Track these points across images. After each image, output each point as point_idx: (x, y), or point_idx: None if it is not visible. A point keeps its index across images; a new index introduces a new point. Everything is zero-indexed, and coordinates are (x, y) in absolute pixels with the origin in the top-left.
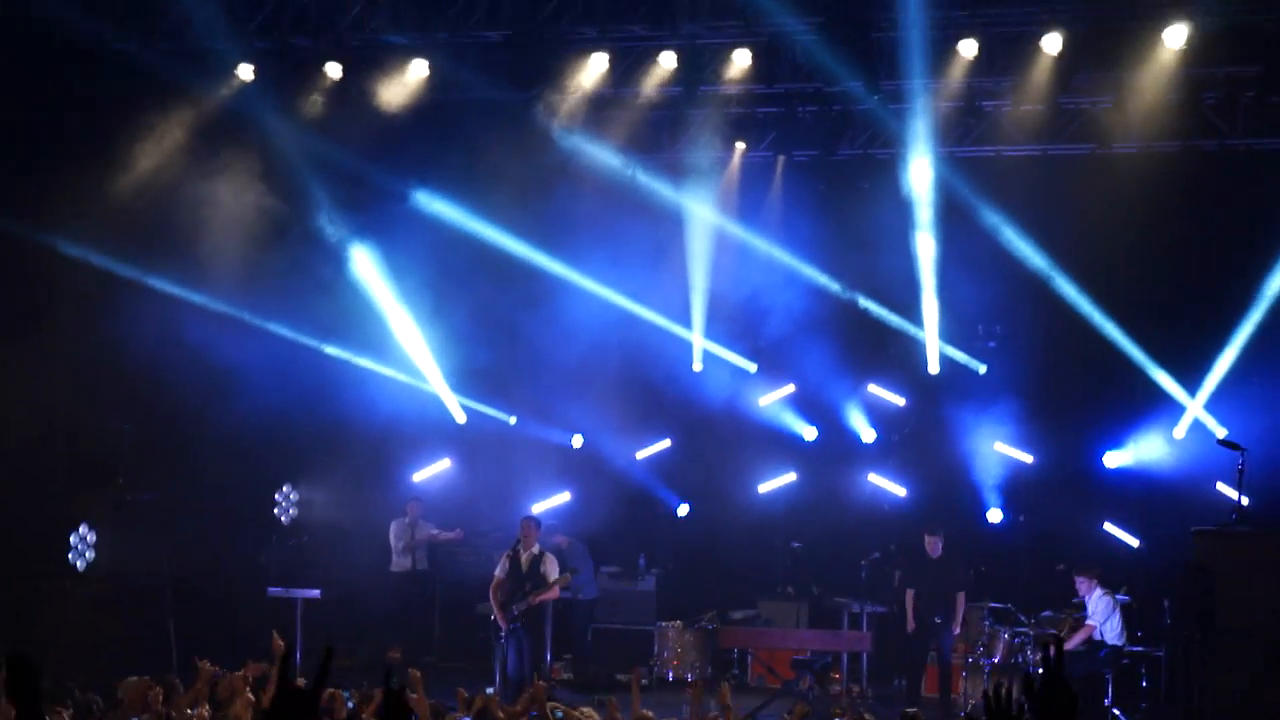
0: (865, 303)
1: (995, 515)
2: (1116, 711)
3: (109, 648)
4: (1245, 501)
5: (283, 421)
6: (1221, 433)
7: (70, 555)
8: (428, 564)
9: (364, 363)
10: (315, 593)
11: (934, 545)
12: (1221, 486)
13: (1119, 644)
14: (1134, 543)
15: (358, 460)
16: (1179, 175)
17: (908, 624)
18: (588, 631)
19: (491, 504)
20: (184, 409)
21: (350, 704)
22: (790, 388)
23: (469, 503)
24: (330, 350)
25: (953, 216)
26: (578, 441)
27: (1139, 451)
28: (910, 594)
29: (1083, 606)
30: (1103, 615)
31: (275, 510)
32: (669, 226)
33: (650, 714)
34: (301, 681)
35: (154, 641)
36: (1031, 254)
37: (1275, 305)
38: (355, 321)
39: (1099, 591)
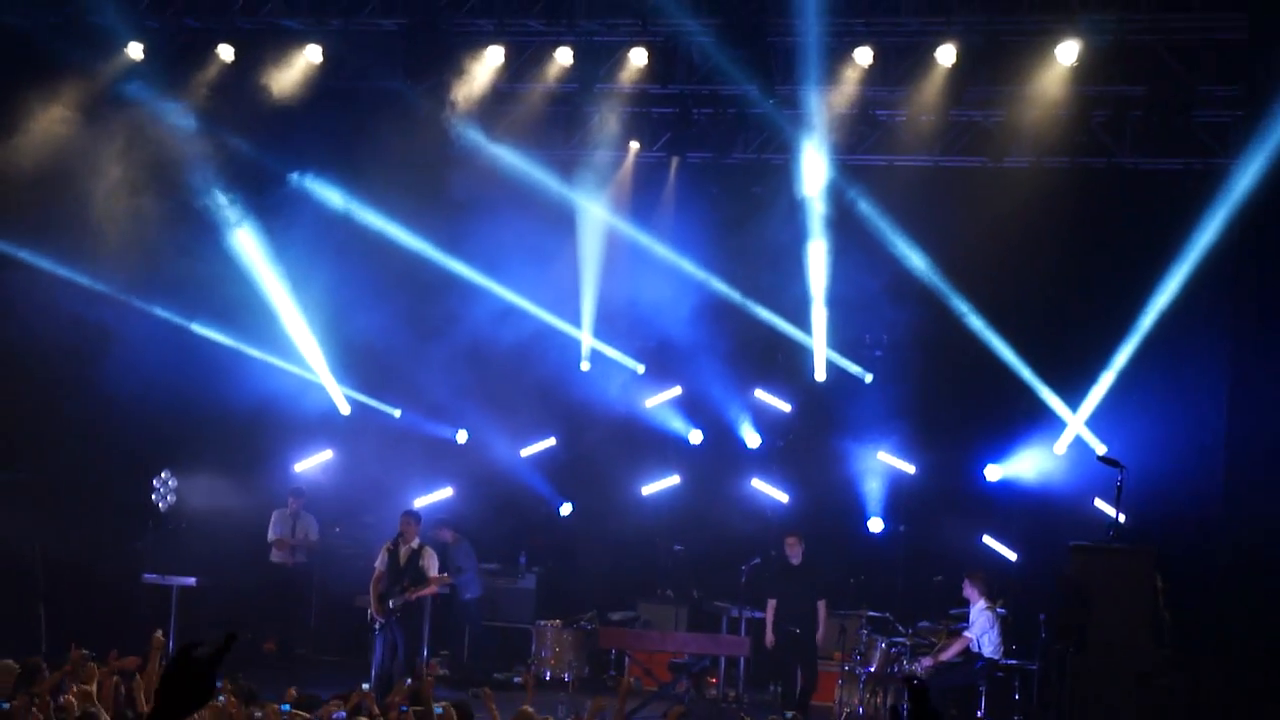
0: (756, 309)
1: (876, 524)
2: None
3: None
4: (1122, 519)
5: (163, 405)
6: (1101, 449)
7: None
8: (307, 559)
9: (248, 349)
10: (191, 580)
11: (794, 550)
12: (1100, 503)
13: (995, 657)
14: (1012, 556)
15: (239, 448)
16: (1068, 191)
17: (766, 636)
18: (468, 630)
19: (373, 497)
20: (60, 389)
21: (221, 698)
22: (677, 390)
23: (350, 494)
24: (214, 335)
25: (844, 224)
26: (462, 437)
27: (1020, 465)
28: (771, 604)
29: (961, 618)
30: (982, 627)
31: (153, 496)
32: (561, 223)
33: (531, 710)
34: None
35: (23, 624)
36: (921, 264)
37: (1157, 324)
38: (240, 306)
39: (983, 603)
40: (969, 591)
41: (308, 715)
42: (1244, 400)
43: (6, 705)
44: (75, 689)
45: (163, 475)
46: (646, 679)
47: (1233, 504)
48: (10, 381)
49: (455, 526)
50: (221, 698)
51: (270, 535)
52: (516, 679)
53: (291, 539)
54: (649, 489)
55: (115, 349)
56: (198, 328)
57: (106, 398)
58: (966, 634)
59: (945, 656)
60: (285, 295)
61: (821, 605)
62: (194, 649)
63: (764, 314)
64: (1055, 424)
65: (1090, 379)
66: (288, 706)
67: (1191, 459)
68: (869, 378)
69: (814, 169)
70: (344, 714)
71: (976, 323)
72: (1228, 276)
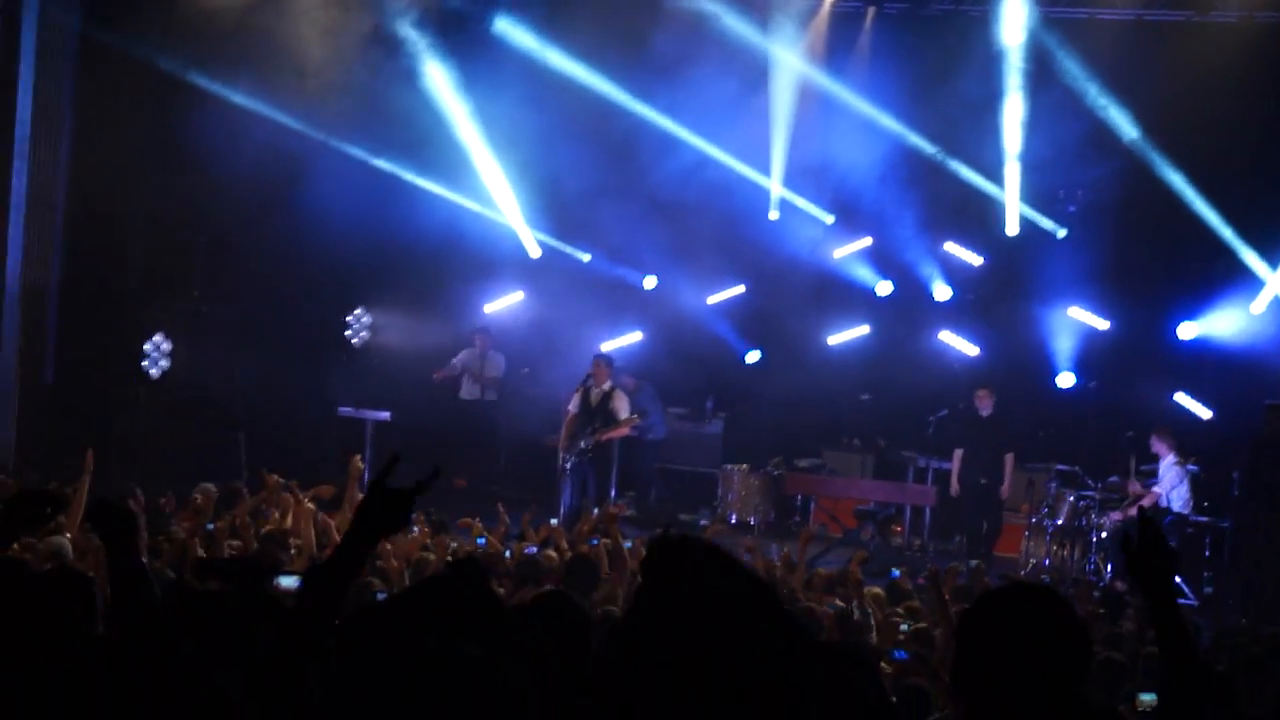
0: (951, 162)
1: (1066, 379)
2: (1178, 580)
3: (179, 455)
4: None
5: (355, 242)
6: None
7: (144, 363)
8: (497, 397)
9: (438, 189)
10: (385, 415)
11: (985, 402)
12: None
13: (1185, 513)
14: (1206, 414)
15: (430, 287)
16: (1276, 46)
17: (951, 486)
18: (654, 472)
19: (562, 340)
20: (256, 224)
21: (414, 529)
22: (867, 241)
23: (539, 337)
24: (406, 175)
25: (1042, 77)
26: (650, 282)
27: (1216, 324)
28: (958, 454)
29: (1151, 474)
30: (1171, 482)
31: (347, 332)
32: (755, 74)
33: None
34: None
35: (223, 452)
36: (1119, 119)
37: None
38: (432, 146)
39: (1172, 457)
40: (1158, 446)
41: (500, 546)
42: None
43: (211, 526)
44: (274, 513)
45: (356, 311)
46: (832, 525)
47: None
48: (209, 217)
49: (640, 371)
50: (415, 528)
51: (457, 365)
52: (702, 522)
53: (481, 375)
54: (836, 339)
55: (308, 184)
56: (406, 173)
57: (300, 233)
58: (1156, 489)
59: (1134, 511)
60: (477, 136)
61: (1009, 458)
62: (389, 477)
63: (957, 167)
64: (1254, 282)
65: None
66: (483, 540)
67: None
68: (1062, 233)
69: (1013, 21)
70: (535, 548)
71: (1175, 179)
72: None
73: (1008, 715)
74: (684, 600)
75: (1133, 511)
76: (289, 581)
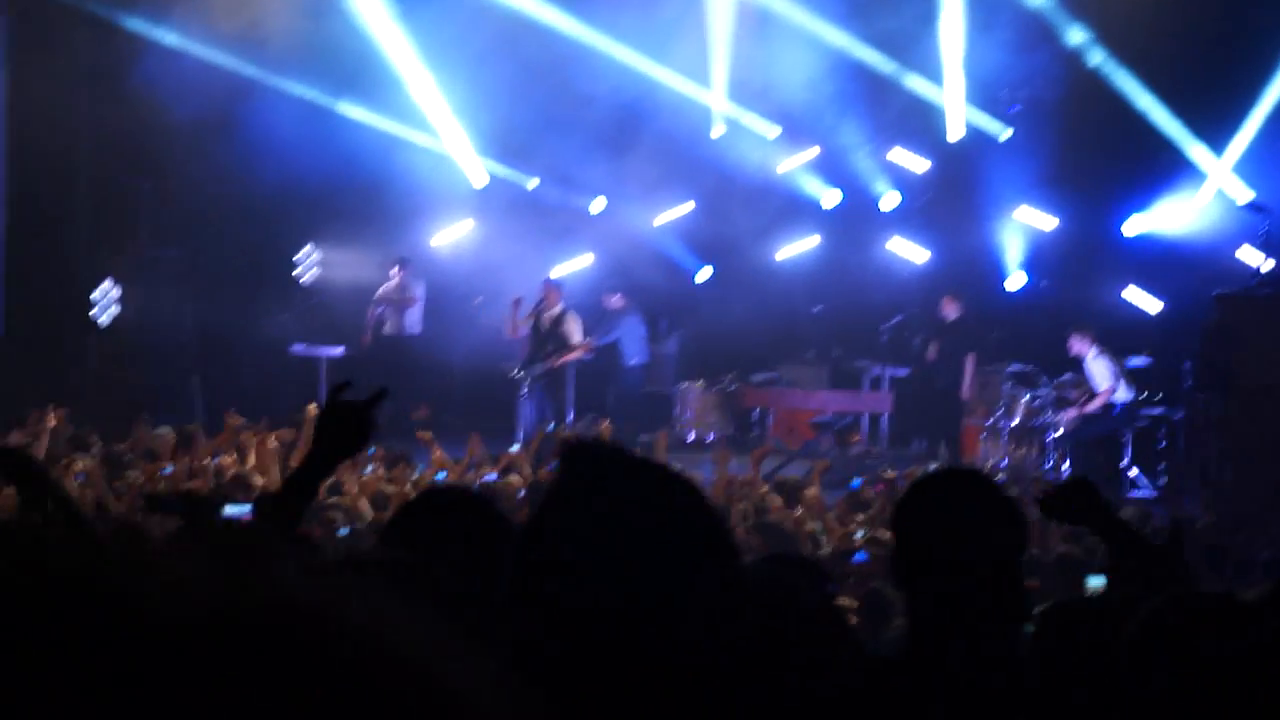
0: (891, 66)
1: (1017, 280)
2: (1135, 472)
3: (134, 400)
4: (1269, 266)
5: (300, 180)
6: (1248, 196)
7: (94, 311)
8: (420, 329)
9: (380, 121)
10: (338, 350)
11: (950, 307)
12: (1244, 252)
13: (1130, 399)
14: (1156, 307)
15: (376, 220)
16: None
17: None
18: (640, 396)
19: (512, 267)
20: (200, 167)
21: (370, 467)
22: (814, 151)
23: (490, 265)
24: (346, 109)
25: None
26: (599, 205)
27: (1163, 217)
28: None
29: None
30: (1113, 374)
31: (296, 270)
32: None
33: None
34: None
35: (178, 396)
36: (1058, 15)
37: None
38: (370, 78)
39: (1096, 349)
40: (1078, 346)
41: (457, 479)
42: None
43: (169, 469)
44: (232, 456)
45: (305, 249)
46: (790, 437)
47: None
48: (151, 161)
49: (625, 292)
50: (370, 467)
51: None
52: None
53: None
54: (786, 252)
55: (247, 123)
56: (343, 105)
57: (243, 172)
58: (1108, 385)
59: (1090, 409)
60: (415, 65)
61: (970, 359)
62: (344, 392)
63: (899, 71)
64: (1198, 174)
65: (1234, 126)
66: (444, 475)
67: None
68: (1006, 134)
69: None
70: (496, 475)
71: (1117, 73)
72: None
73: (946, 599)
74: (582, 501)
75: (1090, 408)
76: (238, 511)
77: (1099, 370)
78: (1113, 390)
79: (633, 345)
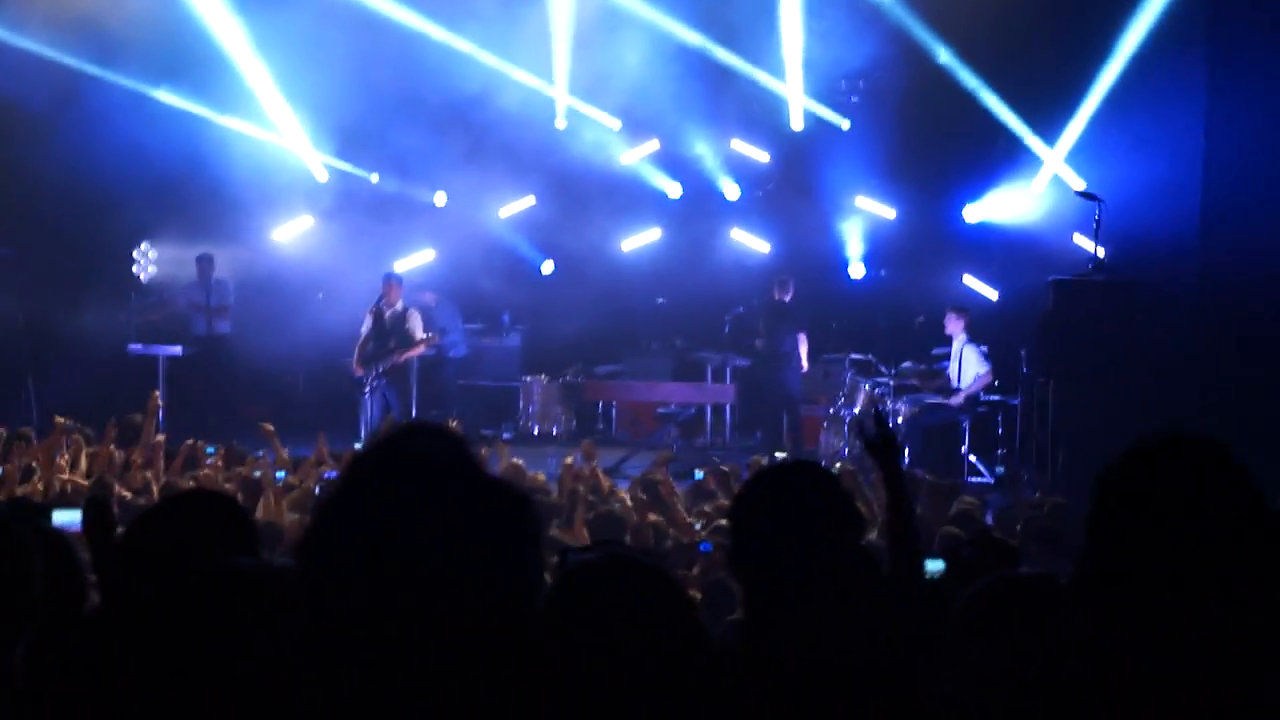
0: (731, 57)
1: (857, 270)
2: (974, 458)
3: None
4: (1101, 252)
5: (134, 176)
6: (1080, 185)
7: None
8: (229, 329)
9: (215, 116)
10: (177, 350)
11: (785, 290)
12: (1078, 239)
13: (976, 391)
14: (993, 295)
15: (214, 217)
16: None
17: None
18: (457, 389)
19: (354, 262)
20: (29, 163)
21: (210, 461)
22: (654, 144)
23: (331, 261)
24: (180, 101)
25: None
26: (441, 199)
27: (999, 205)
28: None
29: (943, 358)
30: (985, 361)
31: (133, 268)
32: None
33: (521, 462)
34: (162, 438)
35: (12, 399)
36: (890, 2)
37: (1135, 52)
38: (205, 71)
39: (966, 336)
40: (953, 324)
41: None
42: (1220, 127)
43: None
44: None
45: (142, 247)
46: (634, 429)
47: (1207, 232)
48: None
49: (435, 288)
50: (210, 460)
51: (180, 302)
52: (506, 435)
53: (207, 305)
54: (630, 244)
55: (77, 118)
56: (180, 100)
57: (75, 169)
58: (988, 367)
59: (972, 390)
60: (251, 58)
61: (802, 337)
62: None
63: (739, 63)
64: (1034, 162)
65: (1069, 114)
66: (283, 475)
67: (1168, 190)
68: (846, 124)
69: None
70: (336, 473)
71: (951, 61)
72: None
73: (779, 589)
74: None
75: (954, 401)
76: (65, 517)
77: (971, 357)
78: (988, 376)
79: (453, 338)
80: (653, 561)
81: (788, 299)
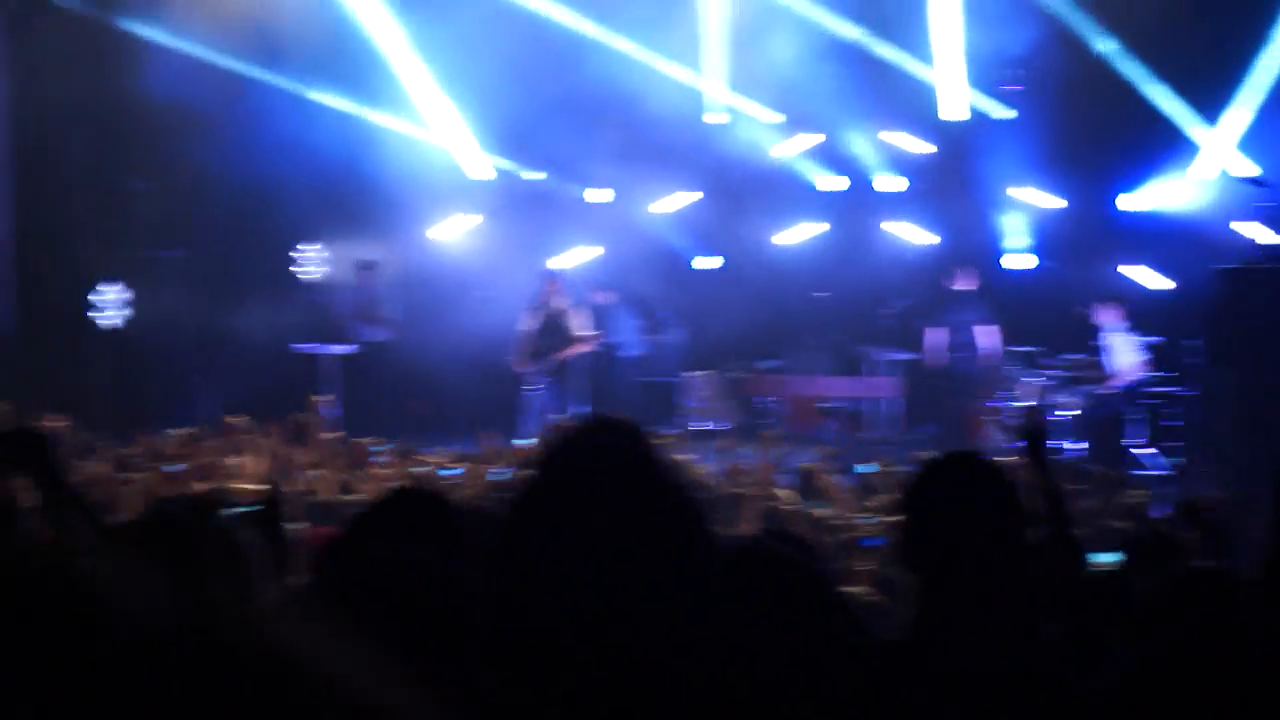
0: (891, 50)
1: (1023, 261)
2: (1141, 451)
3: (139, 403)
4: (1271, 237)
5: (300, 178)
6: (1248, 171)
7: (99, 314)
8: (393, 335)
9: (376, 115)
10: (342, 349)
11: (963, 280)
12: (1236, 226)
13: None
14: (1168, 285)
15: (378, 218)
16: None
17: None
18: (635, 388)
19: (519, 261)
20: (198, 167)
21: (382, 459)
22: (820, 138)
23: (497, 259)
24: (344, 105)
25: None
26: (607, 196)
27: (1156, 194)
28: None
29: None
30: (1140, 351)
31: (296, 267)
32: None
33: (688, 457)
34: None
35: (182, 397)
36: None
37: None
38: (365, 73)
39: (1118, 325)
40: (1106, 318)
41: (458, 470)
42: None
43: (174, 469)
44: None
45: (307, 245)
46: (795, 424)
47: None
48: (150, 162)
49: (604, 286)
50: (384, 457)
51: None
52: (671, 430)
53: (366, 312)
54: (789, 238)
55: (243, 121)
56: (343, 102)
57: (241, 172)
58: (1136, 362)
59: (1115, 386)
60: (411, 58)
61: (993, 331)
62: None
63: (895, 54)
64: (1190, 149)
65: (1229, 100)
66: (457, 471)
67: None
68: (1009, 114)
69: None
70: (509, 471)
71: (1109, 47)
72: None
73: (951, 582)
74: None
75: (1115, 385)
76: (237, 514)
77: (1123, 346)
78: (1141, 366)
79: (628, 338)
80: (795, 554)
81: (970, 287)
